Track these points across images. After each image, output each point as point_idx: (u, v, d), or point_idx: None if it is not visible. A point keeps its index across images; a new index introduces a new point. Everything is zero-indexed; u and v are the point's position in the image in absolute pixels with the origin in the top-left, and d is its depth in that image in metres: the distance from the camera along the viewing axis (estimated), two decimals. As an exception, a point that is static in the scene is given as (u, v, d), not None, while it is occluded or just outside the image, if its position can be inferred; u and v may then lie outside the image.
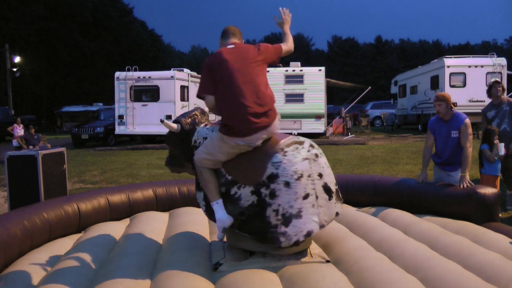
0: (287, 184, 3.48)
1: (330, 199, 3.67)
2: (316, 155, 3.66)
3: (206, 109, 4.18)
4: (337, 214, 3.74)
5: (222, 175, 3.71)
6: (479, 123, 18.37)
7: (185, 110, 20.98)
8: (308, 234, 3.53)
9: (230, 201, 3.66)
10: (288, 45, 3.95)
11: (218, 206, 3.66)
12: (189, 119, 4.08)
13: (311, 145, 3.71)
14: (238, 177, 3.63)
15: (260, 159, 3.56)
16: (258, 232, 3.59)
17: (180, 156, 4.17)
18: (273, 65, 4.10)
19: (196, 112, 4.17)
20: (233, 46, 3.76)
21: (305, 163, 3.55)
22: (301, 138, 3.75)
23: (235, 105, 3.49)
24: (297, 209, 3.49)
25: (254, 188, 3.54)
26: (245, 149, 3.61)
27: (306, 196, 3.51)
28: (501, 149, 5.70)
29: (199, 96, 3.71)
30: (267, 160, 3.54)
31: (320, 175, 3.62)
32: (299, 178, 3.50)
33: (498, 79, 6.53)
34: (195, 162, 3.76)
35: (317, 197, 3.58)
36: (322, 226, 3.60)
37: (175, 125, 4.00)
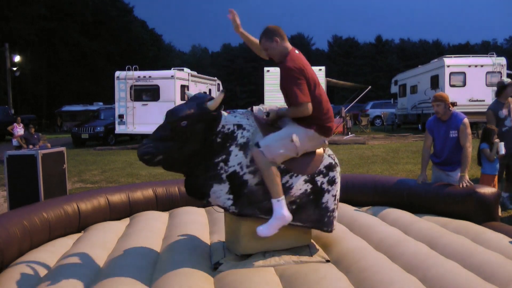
0: (339, 173, 3.99)
1: None
2: None
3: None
4: None
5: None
6: (479, 122, 18.32)
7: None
8: None
9: None
10: None
11: (282, 203, 3.57)
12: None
13: None
14: (293, 166, 3.71)
15: (314, 152, 3.84)
16: (313, 219, 3.81)
17: (192, 144, 3.58)
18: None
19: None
20: (298, 52, 3.80)
21: None
22: None
23: (329, 109, 3.78)
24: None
25: (308, 177, 3.75)
26: (318, 147, 3.87)
27: None
28: (502, 148, 5.71)
29: (301, 103, 3.55)
30: (323, 152, 3.89)
31: None
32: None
33: (510, 80, 6.49)
34: (263, 157, 3.51)
35: None
36: None
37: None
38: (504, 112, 6.33)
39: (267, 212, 3.62)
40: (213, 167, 3.63)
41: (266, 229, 3.56)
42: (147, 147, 3.54)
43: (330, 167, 3.86)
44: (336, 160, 3.95)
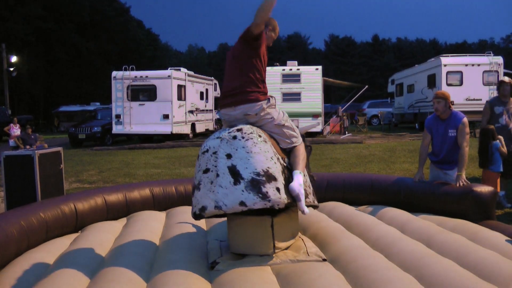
0: (197, 157, 3.82)
1: (236, 184, 3.53)
2: (234, 137, 3.67)
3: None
4: (243, 203, 3.50)
5: None
6: (476, 121, 18.40)
7: (182, 109, 20.92)
8: (203, 209, 3.57)
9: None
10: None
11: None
12: None
13: (239, 130, 3.73)
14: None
15: None
16: None
17: None
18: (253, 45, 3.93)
19: None
20: None
21: (216, 141, 3.71)
22: (247, 127, 3.80)
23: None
24: (197, 181, 3.70)
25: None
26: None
27: (206, 171, 3.65)
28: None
29: None
30: None
31: (229, 156, 3.61)
32: (203, 153, 3.73)
33: (506, 79, 6.58)
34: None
35: (217, 175, 3.58)
36: (218, 207, 3.52)
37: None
38: (500, 109, 6.43)
39: None
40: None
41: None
42: None
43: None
44: (200, 147, 3.86)
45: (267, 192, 3.49)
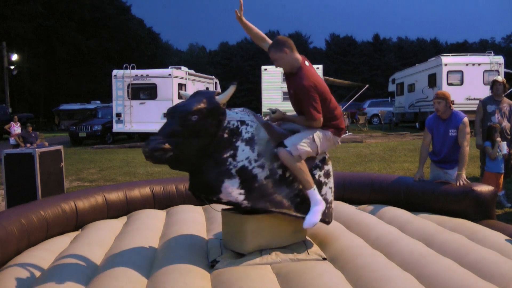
0: (331, 166, 4.13)
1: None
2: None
3: None
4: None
5: (278, 159, 3.72)
6: (476, 121, 18.38)
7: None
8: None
9: (286, 184, 3.78)
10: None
11: (316, 191, 3.83)
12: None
13: None
14: None
15: None
16: None
17: (202, 140, 3.49)
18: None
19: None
20: (308, 63, 3.93)
21: None
22: None
23: (340, 113, 4.06)
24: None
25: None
26: (332, 147, 4.08)
27: None
28: (504, 147, 5.75)
29: (316, 120, 3.78)
30: None
31: None
32: None
33: (499, 78, 6.62)
34: (291, 156, 3.64)
35: None
36: None
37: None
38: (493, 107, 6.48)
39: (277, 205, 3.72)
40: (223, 162, 3.57)
41: (311, 218, 3.75)
42: (158, 143, 3.33)
43: (325, 161, 4.04)
44: (328, 155, 4.12)
45: None
